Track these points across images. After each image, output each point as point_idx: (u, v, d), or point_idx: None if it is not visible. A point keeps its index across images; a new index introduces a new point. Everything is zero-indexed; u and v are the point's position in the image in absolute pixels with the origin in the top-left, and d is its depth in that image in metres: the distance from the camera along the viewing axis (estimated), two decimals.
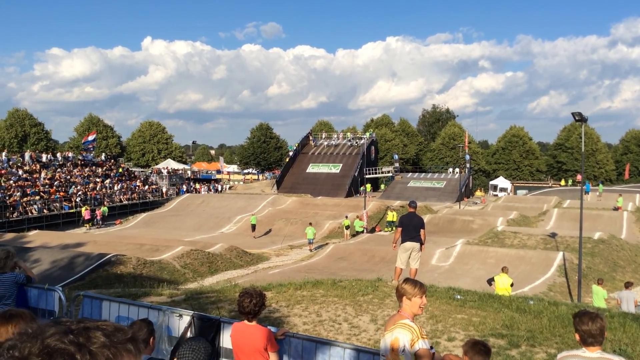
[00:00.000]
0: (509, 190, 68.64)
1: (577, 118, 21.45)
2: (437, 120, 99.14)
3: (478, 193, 69.31)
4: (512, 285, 14.61)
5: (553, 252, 25.29)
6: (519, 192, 68.78)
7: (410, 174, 71.47)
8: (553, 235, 29.15)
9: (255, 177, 75.05)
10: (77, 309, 6.80)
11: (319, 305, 10.35)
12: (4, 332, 2.47)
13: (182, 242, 28.36)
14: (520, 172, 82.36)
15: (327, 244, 30.87)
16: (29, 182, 41.36)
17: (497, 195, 65.31)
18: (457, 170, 66.72)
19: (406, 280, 4.44)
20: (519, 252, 25.33)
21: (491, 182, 73.81)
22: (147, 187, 52.54)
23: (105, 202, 44.47)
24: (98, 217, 40.13)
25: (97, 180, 47.84)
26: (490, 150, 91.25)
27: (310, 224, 32.80)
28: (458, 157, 73.78)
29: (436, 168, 77.62)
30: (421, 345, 4.03)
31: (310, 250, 30.15)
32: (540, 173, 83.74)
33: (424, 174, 71.79)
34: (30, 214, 37.82)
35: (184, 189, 57.62)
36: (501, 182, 71.73)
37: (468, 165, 68.68)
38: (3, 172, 41.33)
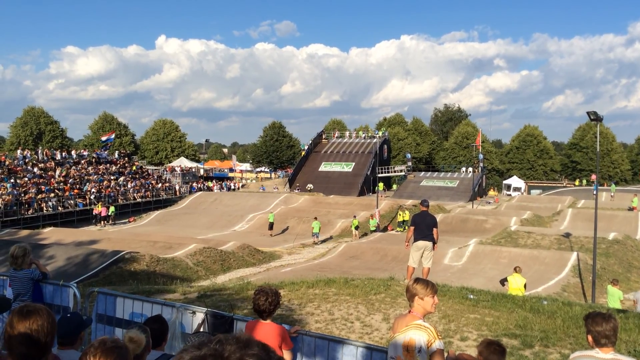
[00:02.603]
0: (522, 190, 68.22)
1: (592, 117, 21.24)
2: (450, 119, 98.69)
3: (491, 192, 68.99)
4: (525, 285, 14.51)
5: (567, 253, 25.08)
6: (533, 191, 68.38)
7: (423, 173, 71.27)
8: (567, 235, 28.90)
9: (268, 175, 75.26)
10: (92, 305, 6.86)
11: (331, 304, 10.36)
12: (22, 328, 2.50)
13: (195, 239, 28.49)
14: (534, 171, 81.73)
15: (339, 242, 30.89)
16: (44, 180, 41.77)
17: (510, 194, 64.94)
18: (470, 169, 66.40)
19: (417, 280, 4.42)
20: (532, 252, 25.14)
21: (505, 182, 73.41)
22: (160, 185, 52.84)
23: (119, 200, 44.84)
24: (103, 214, 40.23)
25: (111, 178, 48.20)
26: (504, 149, 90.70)
27: (316, 218, 33.90)
28: (471, 156, 73.45)
29: (449, 167, 77.29)
30: (438, 346, 4.03)
31: (316, 242, 31.82)
32: (555, 173, 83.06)
33: (436, 173, 71.56)
34: (45, 211, 38.20)
35: (196, 187, 57.87)
36: (515, 181, 71.29)
37: (481, 164, 68.32)
38: (18, 169, 41.77)
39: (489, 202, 57.53)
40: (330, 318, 9.59)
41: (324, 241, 33.10)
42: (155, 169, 63.09)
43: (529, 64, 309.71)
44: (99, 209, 40.12)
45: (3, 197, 36.21)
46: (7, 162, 42.54)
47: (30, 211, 37.30)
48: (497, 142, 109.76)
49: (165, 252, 24.49)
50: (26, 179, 40.47)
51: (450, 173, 69.95)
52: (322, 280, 12.17)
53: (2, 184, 37.85)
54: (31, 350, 2.49)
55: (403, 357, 4.11)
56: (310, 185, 45.37)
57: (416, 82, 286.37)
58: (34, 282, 6.57)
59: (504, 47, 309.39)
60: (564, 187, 70.98)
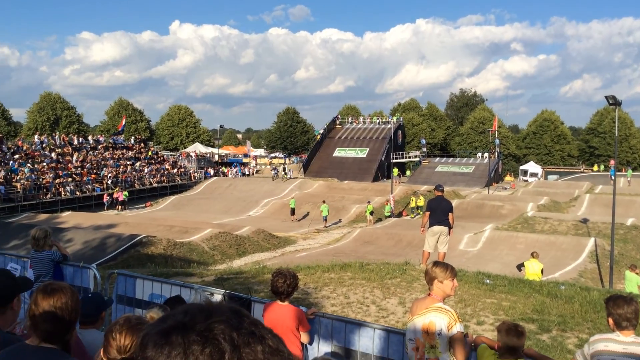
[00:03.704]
0: (539, 176, 67.62)
1: (610, 101, 20.92)
2: (466, 104, 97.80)
3: (508, 178, 68.46)
4: (542, 271, 14.42)
5: (584, 238, 24.87)
6: (550, 177, 67.77)
7: (438, 158, 70.89)
8: (584, 221, 28.64)
9: (282, 161, 75.35)
10: (112, 287, 6.95)
11: (347, 288, 10.40)
12: (46, 306, 2.53)
13: (211, 224, 28.68)
14: (551, 157, 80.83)
15: (353, 228, 30.95)
16: (61, 164, 42.22)
17: (527, 180, 64.39)
18: (486, 155, 65.88)
19: (436, 263, 4.42)
20: (549, 238, 24.97)
21: (521, 167, 72.78)
22: (175, 170, 53.18)
23: (135, 185, 45.24)
24: (120, 199, 40.57)
25: (128, 163, 48.58)
26: (520, 134, 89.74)
27: (324, 201, 34.77)
28: (487, 141, 72.83)
29: (465, 153, 76.75)
30: (459, 328, 4.02)
31: (325, 226, 32.94)
32: (572, 158, 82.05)
33: (452, 158, 71.11)
34: (63, 195, 38.66)
35: (211, 173, 58.15)
36: (532, 167, 70.66)
37: (497, 149, 67.75)
38: (36, 154, 42.23)
39: (505, 188, 57.12)
40: (346, 302, 9.63)
41: (334, 224, 34.24)
42: (170, 155, 63.45)
43: (546, 48, 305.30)
44: (117, 194, 40.47)
45: (22, 181, 36.68)
46: (24, 147, 43.03)
47: (49, 195, 37.77)
48: (513, 127, 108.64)
49: (181, 236, 24.71)
50: (44, 163, 40.92)
51: (465, 159, 69.47)
52: (337, 265, 12.20)
53: (20, 168, 38.32)
54: (56, 328, 2.52)
55: (422, 339, 4.11)
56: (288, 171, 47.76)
57: (431, 66, 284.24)
58: (54, 263, 6.68)
59: (521, 30, 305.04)
60: (581, 172, 70.20)
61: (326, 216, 33.49)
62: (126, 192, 41.58)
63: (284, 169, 43.48)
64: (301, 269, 11.69)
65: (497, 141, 68.37)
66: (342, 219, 35.77)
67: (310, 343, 4.96)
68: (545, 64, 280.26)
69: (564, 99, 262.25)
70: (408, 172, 67.28)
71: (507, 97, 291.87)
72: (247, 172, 63.39)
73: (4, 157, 39.36)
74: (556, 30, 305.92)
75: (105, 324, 4.50)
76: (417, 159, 67.98)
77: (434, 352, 4.09)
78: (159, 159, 54.52)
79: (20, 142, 44.77)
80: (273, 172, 44.77)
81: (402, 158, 66.79)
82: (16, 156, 40.40)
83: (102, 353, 2.39)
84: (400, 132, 70.97)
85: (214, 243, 24.03)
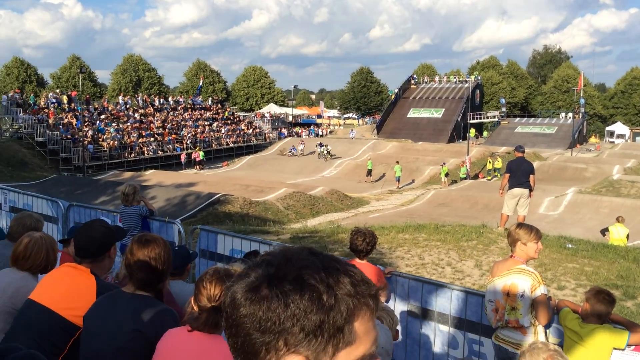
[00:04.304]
0: (627, 137, 63.95)
1: None
2: (549, 61, 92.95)
3: (592, 139, 65.03)
4: (627, 236, 13.75)
5: None
6: (638, 139, 63.82)
7: (518, 118, 68.18)
8: None
9: (355, 121, 75.01)
10: (195, 242, 7.26)
11: (422, 249, 10.35)
12: (141, 255, 2.67)
13: (285, 184, 29.19)
14: None
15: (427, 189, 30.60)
16: (144, 125, 44.02)
17: (613, 142, 61.09)
18: (570, 115, 62.78)
19: (520, 225, 4.30)
20: (636, 203, 23.65)
21: (607, 128, 68.98)
22: (251, 130, 54.20)
23: (213, 145, 46.56)
24: (198, 159, 41.71)
25: (205, 123, 49.97)
26: (607, 93, 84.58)
27: (397, 162, 34.51)
28: (571, 101, 69.21)
29: (547, 113, 73.38)
30: (542, 291, 3.93)
31: (398, 187, 32.82)
32: None
33: (533, 119, 68.17)
34: (146, 154, 40.45)
35: (285, 133, 58.84)
36: (619, 128, 66.81)
37: (582, 109, 64.39)
38: (121, 114, 44.19)
39: (590, 150, 54.45)
40: (420, 263, 9.61)
41: (407, 184, 34.21)
42: (246, 115, 64.62)
43: (638, 1, 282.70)
44: (195, 154, 41.80)
45: (108, 141, 38.62)
46: (110, 108, 45.11)
47: (133, 154, 39.63)
48: (600, 85, 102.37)
49: (257, 195, 25.31)
50: (128, 124, 42.80)
51: (548, 119, 66.43)
52: (411, 226, 12.13)
53: (106, 128, 40.30)
54: (149, 276, 2.67)
55: (503, 301, 4.04)
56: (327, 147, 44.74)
57: (513, 22, 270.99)
58: (142, 218, 7.06)
59: None
60: None
61: (399, 177, 33.32)
62: (202, 152, 42.77)
63: (327, 151, 42.28)
64: (375, 229, 11.63)
65: (582, 100, 64.83)
66: (416, 181, 35.41)
67: (387, 301, 5.00)
68: (637, 18, 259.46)
69: None
70: (485, 133, 65.26)
71: (594, 54, 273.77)
72: (320, 133, 63.67)
73: (91, 118, 41.45)
74: None
75: (189, 278, 4.71)
76: (496, 119, 65.71)
77: (515, 314, 4.02)
78: (235, 120, 55.67)
79: (105, 103, 46.97)
80: (318, 148, 43.37)
81: (480, 118, 64.79)
82: (102, 116, 42.46)
83: (192, 301, 2.51)
84: (478, 91, 68.70)
85: (289, 202, 24.46)
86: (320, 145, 43.64)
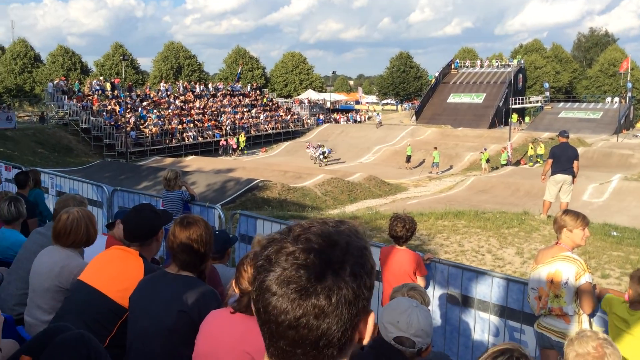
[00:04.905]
0: None
1: None
2: (596, 44, 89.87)
3: None
4: None
5: None
6: None
7: (562, 103, 66.28)
8: None
9: (394, 107, 74.31)
10: (234, 227, 7.36)
11: (461, 236, 10.25)
12: (183, 237, 2.73)
13: (323, 170, 29.25)
14: None
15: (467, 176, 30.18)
16: (185, 111, 44.67)
17: None
18: (616, 99, 60.69)
19: (566, 211, 4.21)
20: None
21: None
22: (289, 117, 54.37)
23: (252, 131, 46.91)
24: (234, 146, 42.02)
25: (244, 110, 50.37)
26: None
27: (436, 148, 34.16)
28: (618, 85, 66.84)
29: (592, 97, 71.13)
30: (587, 279, 3.84)
31: (436, 173, 32.58)
32: None
33: (577, 103, 66.19)
34: (186, 141, 41.09)
35: (323, 119, 58.79)
36: None
37: (629, 94, 62.17)
38: (162, 101, 44.94)
39: (637, 136, 52.54)
40: (460, 249, 9.52)
41: (446, 170, 33.94)
42: (284, 102, 64.80)
43: None
44: (242, 139, 42.05)
45: (150, 127, 39.38)
46: (152, 95, 45.92)
47: (174, 141, 40.32)
48: None
49: (295, 181, 25.45)
50: (169, 110, 43.51)
51: (593, 104, 64.40)
52: (451, 212, 12.02)
53: (148, 115, 41.08)
54: (192, 258, 2.73)
55: (547, 289, 3.97)
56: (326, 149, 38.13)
57: (558, 4, 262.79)
58: (183, 202, 7.20)
59: None
60: None
61: (437, 163, 33.04)
62: (237, 138, 42.98)
63: (323, 153, 36.43)
64: (413, 216, 11.61)
65: (629, 85, 62.58)
66: (455, 167, 34.95)
67: (426, 288, 4.98)
68: None
69: None
70: (527, 119, 63.75)
71: None
72: (358, 119, 63.38)
73: (134, 104, 42.30)
74: None
75: (229, 261, 4.78)
76: (539, 104, 64.05)
77: (559, 301, 3.94)
78: (274, 106, 55.93)
79: (147, 90, 47.84)
80: (311, 151, 37.40)
81: (522, 103, 63.27)
82: (144, 103, 43.27)
83: (233, 284, 2.55)
84: (520, 75, 67.09)
85: (326, 189, 24.51)
86: (314, 147, 38.03)
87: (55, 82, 42.46)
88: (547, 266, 3.98)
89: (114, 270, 3.06)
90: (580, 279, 3.84)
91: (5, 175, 10.64)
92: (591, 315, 4.08)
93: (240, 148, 42.12)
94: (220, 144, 42.08)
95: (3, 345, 1.83)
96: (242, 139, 42.54)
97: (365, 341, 1.02)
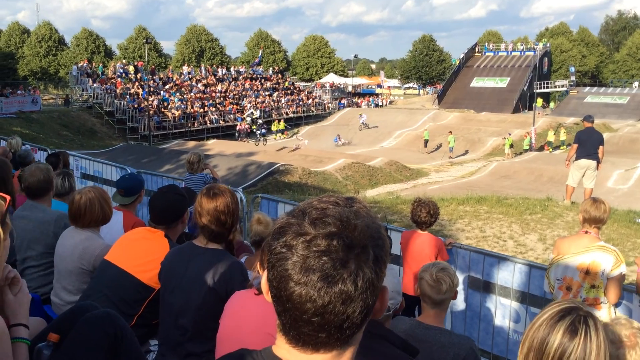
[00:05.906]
0: None
1: None
2: (623, 27, 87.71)
3: None
4: None
5: None
6: None
7: (588, 88, 65.00)
8: None
9: (416, 91, 73.66)
10: (256, 210, 7.42)
11: (483, 222, 10.19)
12: (211, 208, 2.76)
13: (344, 154, 29.21)
14: None
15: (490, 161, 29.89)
16: (207, 95, 44.83)
17: None
18: None
19: (594, 200, 4.19)
20: None
21: None
22: (310, 100, 54.26)
23: (273, 114, 46.85)
24: (248, 130, 41.77)
25: (266, 93, 50.39)
26: None
27: (451, 132, 34.27)
28: None
29: (619, 82, 69.66)
30: (622, 270, 3.82)
31: (451, 157, 32.62)
32: None
33: (604, 88, 64.87)
34: (208, 124, 41.27)
35: (344, 103, 58.56)
36: None
37: None
38: (185, 84, 45.16)
39: None
40: (481, 235, 9.47)
41: (461, 155, 34.02)
42: (306, 85, 64.63)
43: None
44: (245, 124, 42.02)
45: (172, 110, 39.64)
46: (174, 78, 46.16)
47: (196, 124, 40.54)
48: None
49: (315, 165, 25.49)
50: (191, 94, 43.71)
51: (620, 88, 63.09)
52: (472, 198, 11.94)
53: (170, 98, 41.34)
54: (219, 229, 2.77)
55: (579, 279, 3.94)
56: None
57: None
58: (206, 185, 7.26)
59: None
60: None
61: (452, 147, 33.00)
62: (251, 122, 42.70)
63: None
64: (435, 201, 11.60)
65: None
66: (478, 152, 34.64)
67: None
68: None
69: None
70: (552, 104, 62.72)
71: None
72: (380, 103, 63.00)
73: (157, 88, 42.58)
74: None
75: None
76: (564, 88, 62.92)
77: (596, 292, 3.92)
78: (295, 90, 55.84)
79: (170, 73, 48.09)
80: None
81: (547, 88, 62.20)
82: (167, 86, 43.52)
83: (258, 266, 2.59)
84: (546, 59, 65.91)
85: (347, 173, 24.52)
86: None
87: (79, 65, 42.87)
88: (581, 256, 3.94)
89: (140, 250, 3.12)
90: (615, 270, 3.82)
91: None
92: (617, 305, 4.07)
93: (277, 130, 42.50)
94: (240, 126, 41.92)
95: (31, 322, 1.89)
96: (281, 125, 42.95)
97: (379, 315, 1.05)
